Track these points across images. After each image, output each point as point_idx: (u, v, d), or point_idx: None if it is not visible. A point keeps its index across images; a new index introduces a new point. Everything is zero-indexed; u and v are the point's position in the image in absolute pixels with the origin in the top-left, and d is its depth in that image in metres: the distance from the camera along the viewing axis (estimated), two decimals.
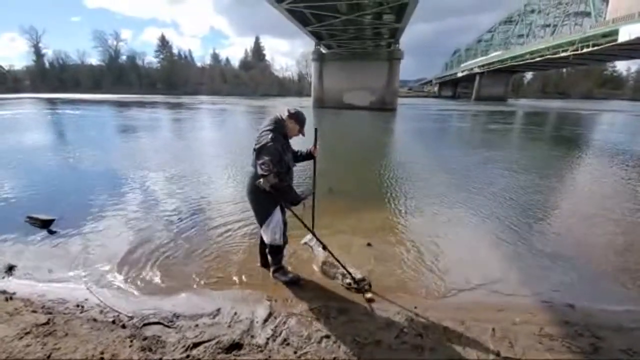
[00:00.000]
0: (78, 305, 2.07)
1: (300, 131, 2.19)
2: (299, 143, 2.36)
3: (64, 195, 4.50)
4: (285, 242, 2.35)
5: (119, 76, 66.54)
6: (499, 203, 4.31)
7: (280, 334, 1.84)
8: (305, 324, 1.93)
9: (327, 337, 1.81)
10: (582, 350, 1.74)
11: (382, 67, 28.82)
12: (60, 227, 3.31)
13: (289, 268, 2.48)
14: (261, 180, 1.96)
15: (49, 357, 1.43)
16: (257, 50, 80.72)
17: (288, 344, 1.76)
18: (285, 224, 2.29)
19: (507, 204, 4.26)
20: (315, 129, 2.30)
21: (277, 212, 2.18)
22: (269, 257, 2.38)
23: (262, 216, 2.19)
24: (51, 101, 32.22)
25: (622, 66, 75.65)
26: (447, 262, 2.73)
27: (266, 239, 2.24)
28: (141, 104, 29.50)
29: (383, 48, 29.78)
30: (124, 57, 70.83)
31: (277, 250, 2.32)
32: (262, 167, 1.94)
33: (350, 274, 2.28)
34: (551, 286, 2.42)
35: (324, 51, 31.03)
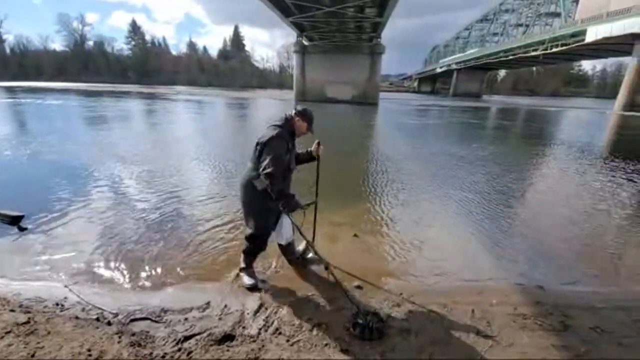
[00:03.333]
0: (57, 304, 1.99)
1: (309, 129, 2.16)
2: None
3: (31, 190, 4.22)
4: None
5: (85, 63, 62.39)
6: (476, 195, 4.53)
7: (272, 323, 1.87)
8: (296, 313, 1.96)
9: (319, 325, 1.85)
10: (553, 327, 1.90)
11: (364, 61, 28.95)
12: (31, 224, 3.12)
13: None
14: (258, 178, 1.95)
15: (33, 355, 1.37)
16: (237, 40, 78.35)
17: (280, 333, 1.79)
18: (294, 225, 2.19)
19: (484, 196, 4.49)
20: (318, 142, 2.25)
21: (285, 217, 2.12)
22: (242, 255, 2.29)
23: (261, 223, 2.13)
24: (11, 90, 29.73)
25: (587, 65, 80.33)
26: (430, 250, 2.86)
27: (279, 241, 2.19)
28: (112, 94, 27.90)
29: (365, 42, 29.86)
30: (90, 43, 66.49)
31: (251, 251, 2.25)
32: (262, 164, 1.92)
33: (349, 299, 2.00)
34: (523, 270, 2.60)
35: (306, 43, 30.64)
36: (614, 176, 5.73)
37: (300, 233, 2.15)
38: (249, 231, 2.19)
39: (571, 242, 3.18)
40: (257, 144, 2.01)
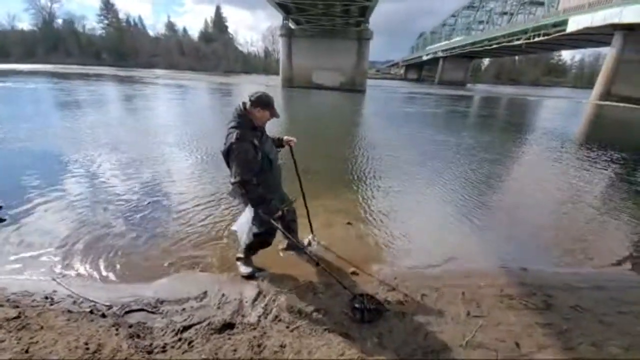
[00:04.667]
0: (47, 297, 1.92)
1: (272, 114, 1.98)
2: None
3: (6, 180, 3.99)
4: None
5: (55, 43, 58.25)
6: (464, 183, 4.66)
7: (271, 311, 1.89)
8: (294, 300, 1.99)
9: (317, 311, 1.89)
10: (536, 306, 2.02)
11: (352, 47, 28.45)
12: (9, 215, 2.97)
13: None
14: (231, 190, 1.89)
15: (27, 351, 1.33)
16: (219, 21, 74.87)
17: (280, 320, 1.81)
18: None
19: (471, 184, 4.63)
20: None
21: (246, 211, 2.02)
22: (243, 247, 2.25)
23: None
24: None
25: (567, 55, 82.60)
26: (421, 237, 2.94)
27: (238, 232, 2.13)
28: (85, 77, 26.32)
29: (352, 27, 29.26)
30: (59, 21, 61.93)
31: (254, 246, 2.21)
32: (231, 172, 1.85)
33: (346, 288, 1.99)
34: (508, 254, 2.73)
35: (292, 27, 29.72)
36: (589, 164, 6.02)
37: (284, 234, 2.09)
38: (254, 229, 2.13)
39: (551, 226, 3.35)
40: (222, 152, 1.91)
